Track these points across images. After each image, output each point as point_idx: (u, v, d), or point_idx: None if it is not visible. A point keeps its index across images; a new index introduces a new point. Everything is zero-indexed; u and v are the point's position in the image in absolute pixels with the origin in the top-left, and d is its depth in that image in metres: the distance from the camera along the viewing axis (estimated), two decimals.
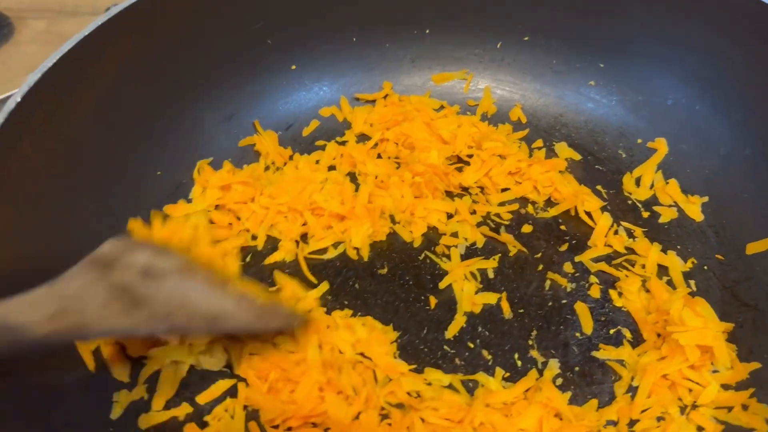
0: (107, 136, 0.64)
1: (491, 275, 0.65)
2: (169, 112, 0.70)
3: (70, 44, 0.61)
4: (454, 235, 0.67)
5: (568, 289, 0.64)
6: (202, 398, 0.57)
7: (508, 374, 0.59)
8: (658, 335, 0.60)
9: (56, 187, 0.59)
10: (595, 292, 0.64)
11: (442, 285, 0.64)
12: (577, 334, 0.61)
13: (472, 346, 0.60)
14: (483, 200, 0.70)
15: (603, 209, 0.69)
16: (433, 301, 0.63)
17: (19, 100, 0.55)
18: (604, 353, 0.60)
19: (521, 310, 0.63)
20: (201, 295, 0.49)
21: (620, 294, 0.63)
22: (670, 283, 0.64)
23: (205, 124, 0.73)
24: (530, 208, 0.70)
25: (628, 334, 0.61)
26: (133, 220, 0.61)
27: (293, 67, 0.78)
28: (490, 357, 0.60)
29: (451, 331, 0.61)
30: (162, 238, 0.61)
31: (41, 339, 0.38)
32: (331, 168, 0.73)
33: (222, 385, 0.57)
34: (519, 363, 0.59)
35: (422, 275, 0.65)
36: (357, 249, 0.66)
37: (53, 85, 0.58)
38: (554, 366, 0.59)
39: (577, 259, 0.66)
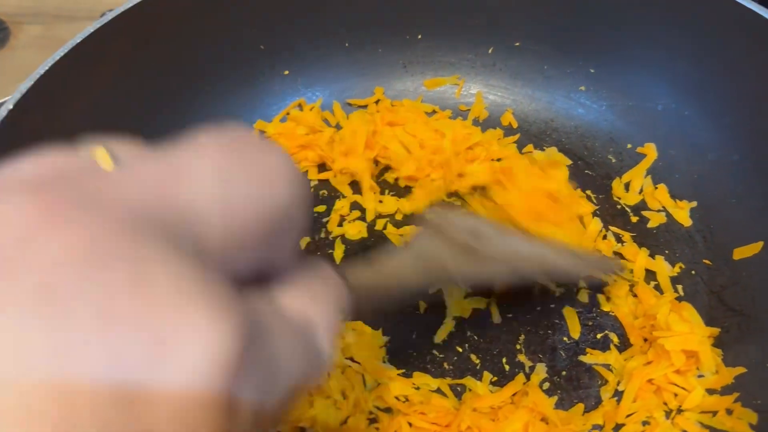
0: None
1: None
2: (161, 118, 0.71)
3: (63, 51, 0.62)
4: None
5: (557, 294, 0.65)
6: None
7: (495, 378, 0.59)
8: (645, 340, 0.60)
9: None
10: (583, 296, 0.64)
11: (431, 289, 0.64)
12: (565, 339, 0.62)
13: (460, 350, 0.61)
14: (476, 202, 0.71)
15: (593, 214, 0.70)
16: (422, 305, 0.64)
17: (11, 107, 0.55)
18: (591, 358, 0.60)
19: (510, 315, 0.63)
20: (525, 245, 0.54)
21: (608, 299, 0.64)
22: (657, 287, 0.65)
23: (199, 129, 0.74)
24: None
25: (615, 338, 0.62)
26: None
27: (286, 72, 0.78)
28: (478, 361, 0.60)
29: (439, 336, 0.62)
30: None
31: (414, 278, 0.42)
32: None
33: None
34: (507, 367, 0.60)
35: None
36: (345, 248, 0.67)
37: (46, 93, 0.59)
38: (541, 370, 0.59)
39: None
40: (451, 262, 0.48)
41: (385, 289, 0.35)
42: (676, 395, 0.57)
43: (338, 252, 0.68)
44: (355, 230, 0.69)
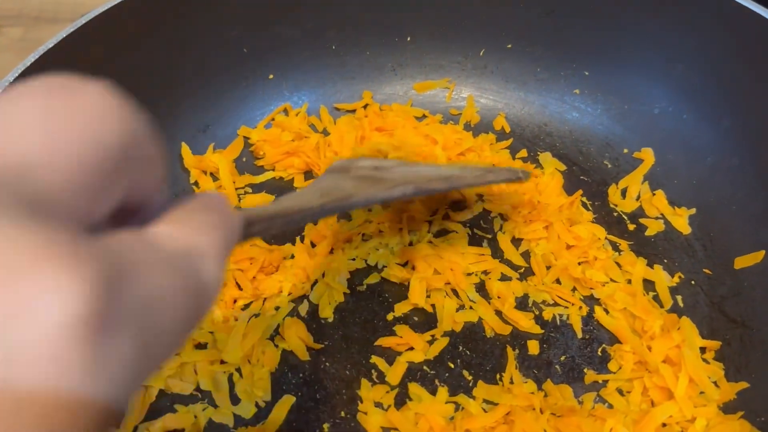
0: None
1: (473, 292, 0.63)
2: None
3: (37, 54, 0.59)
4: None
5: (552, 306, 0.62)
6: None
7: (489, 396, 0.57)
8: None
9: None
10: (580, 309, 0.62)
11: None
12: (561, 354, 0.59)
13: (452, 366, 0.59)
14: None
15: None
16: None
17: None
18: (588, 375, 0.58)
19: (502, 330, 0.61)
20: (429, 168, 0.57)
21: (606, 311, 0.62)
22: (656, 298, 0.62)
23: (179, 134, 0.71)
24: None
25: (612, 353, 0.59)
26: None
27: (271, 76, 0.76)
28: (471, 378, 0.58)
29: (431, 352, 0.59)
30: None
31: (317, 210, 0.42)
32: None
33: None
34: (501, 384, 0.58)
35: (402, 293, 0.63)
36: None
37: None
38: (535, 387, 0.57)
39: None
40: (353, 189, 0.50)
41: (284, 215, 0.35)
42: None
43: None
44: None
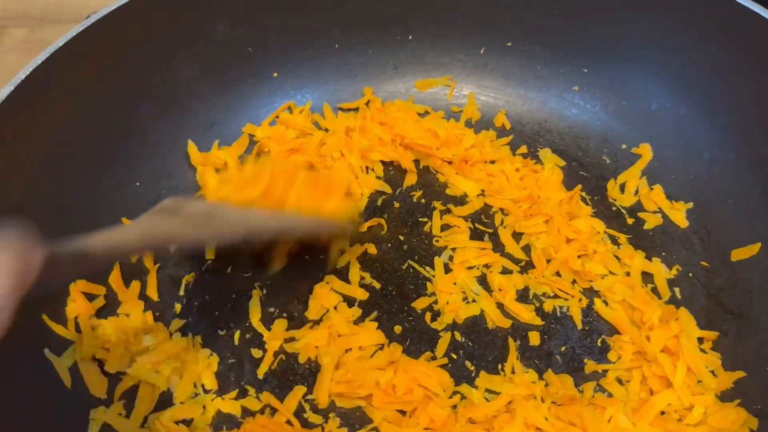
0: (84, 148, 0.63)
1: (474, 285, 0.64)
2: (148, 121, 0.69)
3: (45, 55, 0.60)
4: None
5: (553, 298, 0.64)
6: None
7: (491, 386, 0.58)
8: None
9: (30, 200, 0.58)
10: (580, 301, 0.63)
11: (426, 296, 0.63)
12: (561, 345, 0.61)
13: (455, 357, 0.60)
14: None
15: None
16: (416, 311, 0.62)
17: None
18: (588, 365, 0.59)
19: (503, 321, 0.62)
20: (262, 216, 0.56)
21: (605, 303, 0.63)
22: (654, 290, 0.64)
23: (185, 133, 0.73)
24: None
25: (611, 343, 0.60)
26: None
27: (275, 74, 0.77)
28: (473, 368, 0.59)
29: (436, 346, 0.60)
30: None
31: (134, 247, 0.44)
32: None
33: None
34: (502, 374, 0.59)
35: (405, 285, 0.64)
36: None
37: (28, 98, 0.57)
38: (536, 377, 0.58)
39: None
40: (179, 229, 0.50)
41: (102, 252, 0.37)
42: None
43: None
44: None
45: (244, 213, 0.56)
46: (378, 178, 0.72)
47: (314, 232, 0.63)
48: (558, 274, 0.65)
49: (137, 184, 0.68)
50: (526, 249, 0.67)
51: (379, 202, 0.70)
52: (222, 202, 0.57)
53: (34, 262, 0.31)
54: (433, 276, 0.64)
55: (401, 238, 0.68)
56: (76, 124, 0.63)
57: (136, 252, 0.53)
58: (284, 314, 0.62)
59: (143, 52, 0.67)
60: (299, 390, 0.57)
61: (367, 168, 0.73)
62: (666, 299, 0.63)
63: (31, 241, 0.32)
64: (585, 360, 0.60)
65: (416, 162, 0.73)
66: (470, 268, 0.65)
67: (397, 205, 0.70)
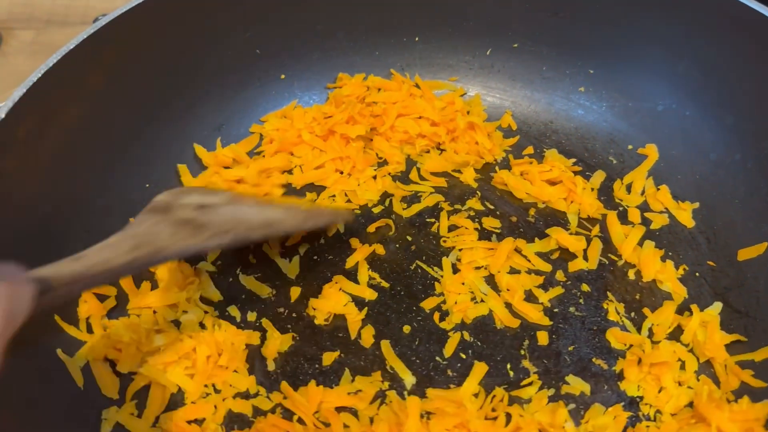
0: (93, 151, 0.64)
1: (482, 285, 0.64)
2: (157, 123, 0.70)
3: (56, 57, 0.60)
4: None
5: (561, 298, 0.64)
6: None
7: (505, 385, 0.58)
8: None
9: (41, 202, 0.59)
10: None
11: (434, 296, 0.64)
12: (570, 344, 0.61)
13: (464, 357, 0.60)
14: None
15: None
16: (425, 311, 0.63)
17: (2, 116, 0.54)
18: (597, 364, 0.59)
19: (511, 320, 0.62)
20: (253, 211, 0.57)
21: (617, 311, 0.63)
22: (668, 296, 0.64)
23: (194, 134, 0.73)
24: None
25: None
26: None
27: (282, 76, 0.77)
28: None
29: (445, 346, 0.61)
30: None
31: (124, 266, 0.43)
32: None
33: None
34: (512, 373, 0.59)
35: (414, 285, 0.65)
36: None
37: (39, 100, 0.57)
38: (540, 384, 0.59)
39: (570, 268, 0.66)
40: (168, 240, 0.50)
41: (92, 275, 0.36)
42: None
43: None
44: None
45: (240, 205, 0.56)
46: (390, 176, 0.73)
47: (310, 222, 0.63)
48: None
49: (147, 185, 0.68)
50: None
51: (387, 203, 0.71)
52: (216, 189, 0.57)
53: (24, 302, 0.30)
54: (442, 276, 0.65)
55: (409, 238, 0.68)
56: (86, 126, 0.63)
57: (129, 271, 0.52)
58: (293, 314, 0.63)
59: (152, 54, 0.68)
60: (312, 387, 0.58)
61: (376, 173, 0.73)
62: (680, 302, 0.63)
63: (20, 278, 0.31)
64: (593, 359, 0.60)
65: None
66: (478, 268, 0.65)
67: (404, 206, 0.71)
